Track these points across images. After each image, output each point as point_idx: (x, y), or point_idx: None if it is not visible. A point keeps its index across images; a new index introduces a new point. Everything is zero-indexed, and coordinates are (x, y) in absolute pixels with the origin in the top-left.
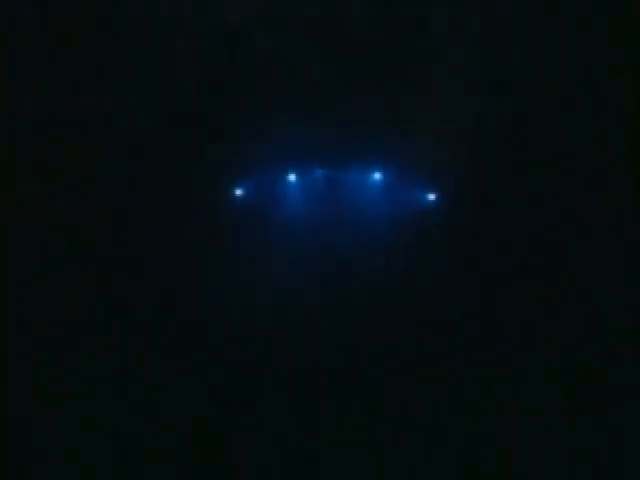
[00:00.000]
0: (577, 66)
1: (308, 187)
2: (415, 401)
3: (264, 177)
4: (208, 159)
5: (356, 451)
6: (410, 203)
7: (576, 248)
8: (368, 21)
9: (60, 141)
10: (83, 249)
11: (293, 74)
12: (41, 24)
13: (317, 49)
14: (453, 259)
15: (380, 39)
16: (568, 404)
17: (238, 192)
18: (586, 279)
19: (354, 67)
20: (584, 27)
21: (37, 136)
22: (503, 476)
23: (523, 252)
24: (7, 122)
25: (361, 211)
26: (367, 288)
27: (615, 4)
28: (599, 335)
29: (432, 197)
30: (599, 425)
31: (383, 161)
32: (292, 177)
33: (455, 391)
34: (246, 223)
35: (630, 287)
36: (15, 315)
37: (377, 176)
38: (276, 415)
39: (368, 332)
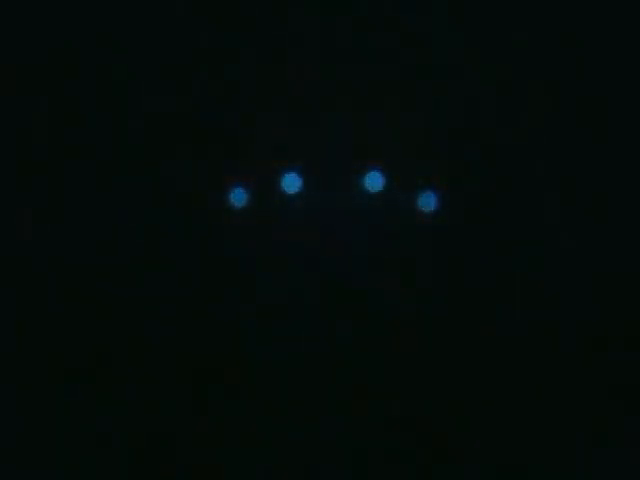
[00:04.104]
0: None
1: (307, 189)
2: (417, 414)
3: (262, 181)
4: (208, 162)
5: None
6: (410, 205)
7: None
8: (368, 21)
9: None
10: (80, 250)
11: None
12: None
13: (317, 49)
14: (455, 261)
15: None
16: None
17: (236, 196)
18: (592, 282)
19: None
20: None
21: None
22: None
23: (527, 255)
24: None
25: (359, 211)
26: (367, 288)
27: None
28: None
29: (431, 199)
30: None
31: (382, 162)
32: (291, 180)
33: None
34: (246, 227)
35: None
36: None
37: (375, 177)
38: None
39: (368, 337)
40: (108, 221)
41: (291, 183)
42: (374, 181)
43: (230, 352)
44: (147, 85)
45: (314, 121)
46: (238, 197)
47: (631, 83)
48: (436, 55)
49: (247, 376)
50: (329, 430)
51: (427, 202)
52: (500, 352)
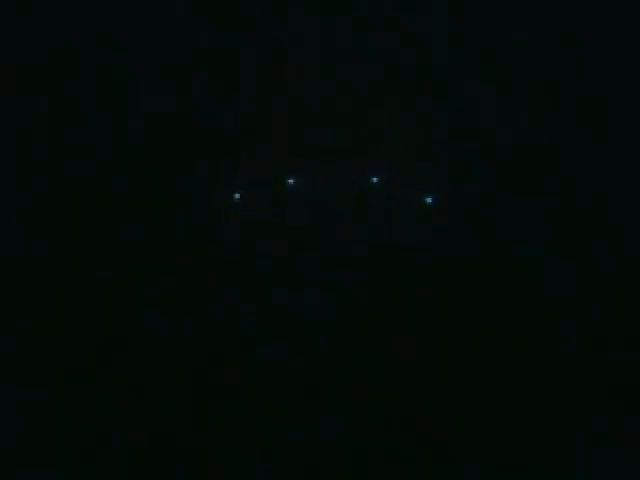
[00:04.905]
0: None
1: (306, 189)
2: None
3: (263, 180)
4: (208, 162)
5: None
6: (410, 204)
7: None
8: (368, 23)
9: (61, 142)
10: (81, 248)
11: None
12: None
13: (317, 49)
14: (452, 259)
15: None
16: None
17: (236, 194)
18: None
19: (355, 68)
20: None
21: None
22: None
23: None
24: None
25: (359, 211)
26: (365, 285)
27: None
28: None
29: (431, 198)
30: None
31: (382, 162)
32: (291, 180)
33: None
34: (245, 227)
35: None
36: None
37: (375, 177)
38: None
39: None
40: (108, 221)
41: (291, 183)
42: (374, 180)
43: (230, 352)
44: (147, 85)
45: (314, 121)
46: (238, 196)
47: (631, 83)
48: (436, 55)
49: (247, 376)
50: (329, 430)
51: (427, 201)
52: (500, 352)
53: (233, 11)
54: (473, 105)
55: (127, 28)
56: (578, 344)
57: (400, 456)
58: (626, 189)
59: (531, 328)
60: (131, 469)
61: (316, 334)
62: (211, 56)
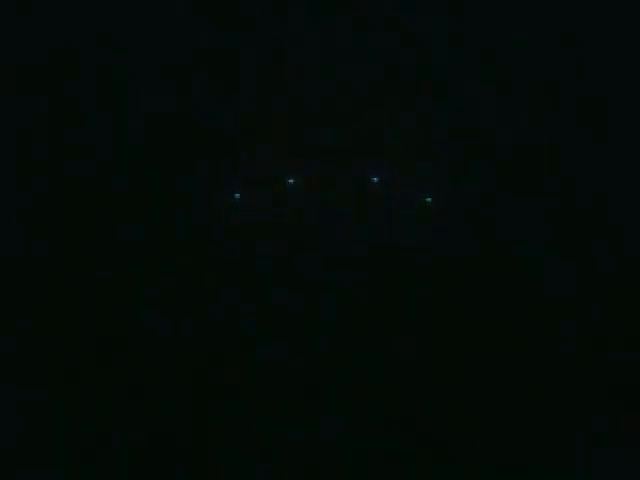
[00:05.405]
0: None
1: (306, 189)
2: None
3: (263, 180)
4: (208, 162)
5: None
6: (408, 205)
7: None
8: (368, 22)
9: (62, 141)
10: (81, 248)
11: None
12: None
13: (317, 49)
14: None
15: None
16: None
17: (236, 195)
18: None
19: (355, 68)
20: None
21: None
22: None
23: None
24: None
25: (359, 211)
26: (364, 285)
27: None
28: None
29: (429, 199)
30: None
31: (382, 162)
32: (291, 180)
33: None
34: (245, 227)
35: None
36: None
37: (375, 177)
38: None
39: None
40: (108, 221)
41: (291, 183)
42: (374, 180)
43: (230, 352)
44: (147, 85)
45: (314, 121)
46: (238, 196)
47: (631, 83)
48: (436, 55)
49: (247, 376)
50: (329, 430)
51: (427, 201)
52: (500, 352)
53: (233, 11)
54: (473, 105)
55: (127, 28)
56: (578, 344)
57: (400, 456)
58: (626, 189)
59: (531, 328)
60: (131, 469)
61: (316, 334)
62: (211, 56)
